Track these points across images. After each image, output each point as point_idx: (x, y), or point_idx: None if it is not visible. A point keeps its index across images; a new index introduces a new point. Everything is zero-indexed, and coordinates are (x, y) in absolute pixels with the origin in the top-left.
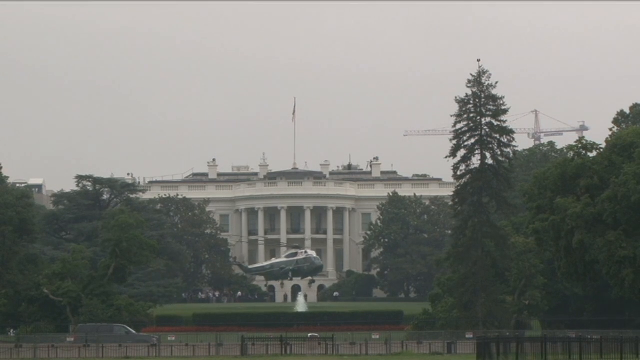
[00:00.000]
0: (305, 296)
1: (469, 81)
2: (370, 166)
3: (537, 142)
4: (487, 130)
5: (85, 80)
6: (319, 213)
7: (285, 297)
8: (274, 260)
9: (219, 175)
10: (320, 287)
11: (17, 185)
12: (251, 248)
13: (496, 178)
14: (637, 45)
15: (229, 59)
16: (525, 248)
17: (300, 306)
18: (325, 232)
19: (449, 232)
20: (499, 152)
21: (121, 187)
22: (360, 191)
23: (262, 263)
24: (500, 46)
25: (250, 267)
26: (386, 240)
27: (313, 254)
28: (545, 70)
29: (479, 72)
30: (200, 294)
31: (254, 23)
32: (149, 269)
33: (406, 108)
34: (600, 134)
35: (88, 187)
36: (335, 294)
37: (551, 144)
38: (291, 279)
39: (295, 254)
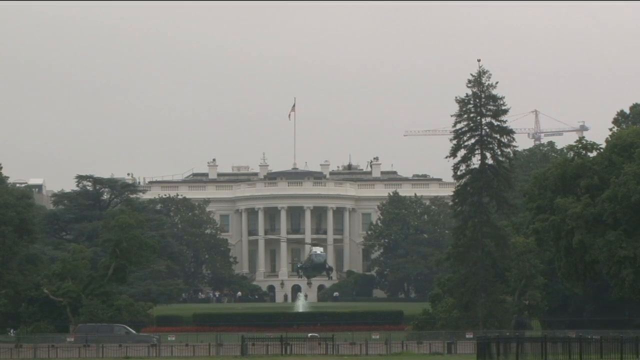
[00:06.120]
0: (305, 296)
1: (469, 81)
2: (370, 166)
3: (537, 142)
4: (487, 130)
5: (86, 80)
6: (319, 213)
7: (285, 297)
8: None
9: (219, 175)
10: (320, 287)
11: (17, 185)
12: (251, 248)
13: (496, 178)
14: (637, 45)
15: (229, 59)
16: (525, 248)
17: (300, 306)
18: (325, 232)
19: (449, 232)
20: (499, 152)
21: (121, 187)
22: (360, 191)
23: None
24: (500, 46)
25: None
26: (386, 240)
27: (317, 250)
28: (545, 70)
29: (479, 72)
30: (200, 294)
31: (253, 22)
32: (149, 269)
33: (406, 108)
34: (600, 134)
35: (88, 187)
36: (335, 294)
37: (551, 144)
38: (300, 277)
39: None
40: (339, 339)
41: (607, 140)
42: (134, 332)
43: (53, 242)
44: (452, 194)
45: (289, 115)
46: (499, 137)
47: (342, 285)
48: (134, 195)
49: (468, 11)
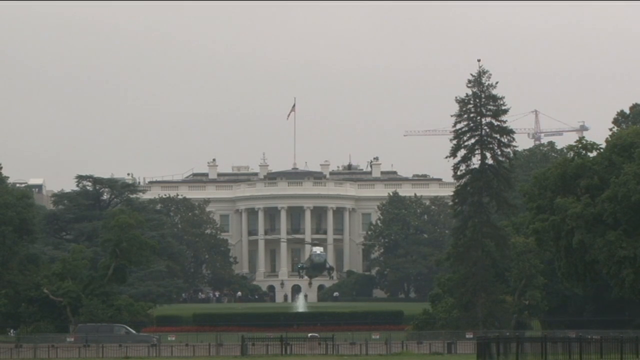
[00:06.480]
0: (305, 296)
1: (469, 81)
2: (370, 166)
3: (537, 142)
4: (487, 130)
5: (85, 80)
6: (319, 213)
7: (285, 297)
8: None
9: (219, 175)
10: (320, 287)
11: (17, 185)
12: (251, 248)
13: (496, 178)
14: (637, 45)
15: (229, 59)
16: (525, 248)
17: (300, 306)
18: (325, 232)
19: (449, 232)
20: (499, 152)
21: (121, 187)
22: (360, 191)
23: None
24: (500, 46)
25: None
26: (386, 240)
27: (317, 250)
28: (545, 70)
29: (479, 72)
30: (200, 294)
31: (254, 23)
32: (149, 269)
33: (406, 108)
34: (600, 134)
35: (88, 187)
36: (335, 294)
37: (551, 144)
38: (300, 277)
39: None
40: (339, 339)
41: (607, 140)
42: (134, 332)
43: (53, 242)
44: (452, 194)
45: (288, 115)
46: (499, 137)
47: (342, 285)
48: (134, 195)
49: (468, 11)
